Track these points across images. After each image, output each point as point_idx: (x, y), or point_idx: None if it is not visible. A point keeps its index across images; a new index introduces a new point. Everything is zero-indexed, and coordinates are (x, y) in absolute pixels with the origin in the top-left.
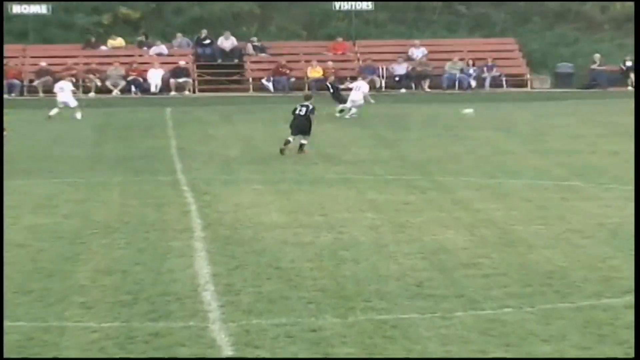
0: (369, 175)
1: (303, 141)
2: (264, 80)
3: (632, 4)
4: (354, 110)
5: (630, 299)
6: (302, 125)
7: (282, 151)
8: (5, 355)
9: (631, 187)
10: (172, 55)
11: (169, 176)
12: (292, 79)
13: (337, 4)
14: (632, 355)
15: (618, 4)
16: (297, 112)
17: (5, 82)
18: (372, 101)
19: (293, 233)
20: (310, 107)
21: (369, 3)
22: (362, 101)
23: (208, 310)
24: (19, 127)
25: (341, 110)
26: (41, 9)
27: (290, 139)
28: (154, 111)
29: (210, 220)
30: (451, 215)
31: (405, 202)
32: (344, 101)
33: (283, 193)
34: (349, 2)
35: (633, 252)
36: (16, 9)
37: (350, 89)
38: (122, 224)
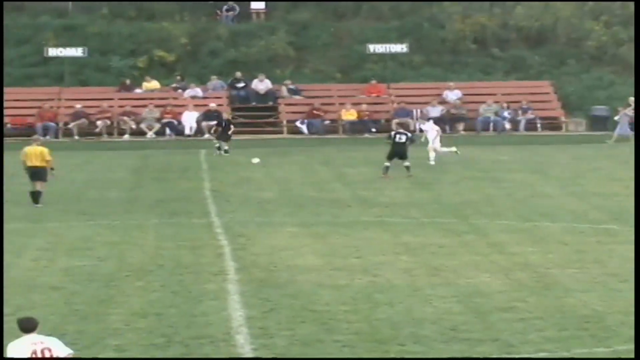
0: (404, 218)
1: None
2: (298, 123)
3: None
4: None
5: None
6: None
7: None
8: None
9: None
10: (206, 98)
11: (204, 219)
12: (326, 122)
13: (371, 47)
14: None
15: None
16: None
17: (40, 124)
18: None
19: (328, 276)
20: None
21: (404, 46)
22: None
23: (242, 354)
24: (54, 170)
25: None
26: (77, 51)
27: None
28: (189, 153)
29: (245, 263)
30: (487, 259)
31: (440, 245)
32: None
33: (318, 236)
34: (384, 45)
35: None
36: (53, 51)
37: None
38: (156, 266)
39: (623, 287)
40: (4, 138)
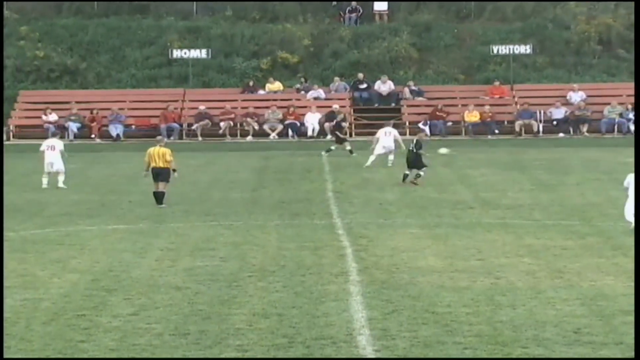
0: (527, 220)
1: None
2: (420, 124)
3: None
4: (390, 157)
5: None
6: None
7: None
8: None
9: None
10: (329, 99)
11: (325, 220)
12: (449, 123)
13: (495, 48)
14: None
15: None
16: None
17: (164, 125)
18: (404, 147)
19: (449, 277)
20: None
21: (527, 47)
22: (392, 147)
23: (364, 355)
24: (177, 171)
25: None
26: (201, 53)
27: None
28: (311, 155)
29: (366, 264)
30: (610, 261)
31: (563, 247)
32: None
33: (439, 237)
34: (507, 46)
35: None
36: (177, 53)
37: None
38: (278, 267)
39: None
40: (130, 139)
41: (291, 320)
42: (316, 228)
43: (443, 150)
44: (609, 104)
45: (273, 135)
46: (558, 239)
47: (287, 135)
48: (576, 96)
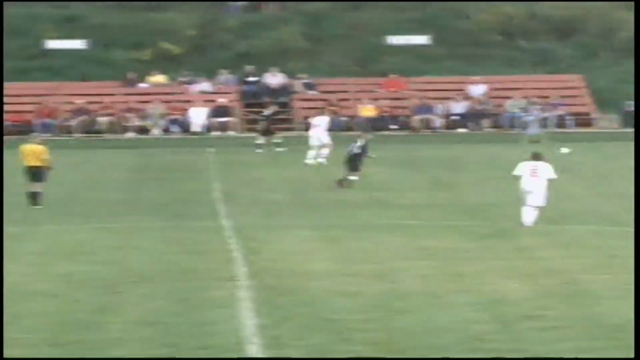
0: (423, 221)
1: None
2: (313, 119)
3: None
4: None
5: None
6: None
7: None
8: None
9: None
10: (215, 93)
11: (212, 222)
12: (344, 118)
13: (390, 39)
14: None
15: None
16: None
17: (39, 121)
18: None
19: (343, 282)
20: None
21: (425, 37)
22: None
23: None
24: (52, 170)
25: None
26: (78, 44)
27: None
28: (196, 152)
29: (256, 269)
30: (512, 264)
31: (462, 249)
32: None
33: (332, 240)
34: (404, 37)
35: None
36: (51, 44)
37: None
38: (161, 272)
39: None
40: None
41: (175, 328)
42: (202, 230)
43: (564, 150)
44: (511, 97)
45: (156, 131)
46: (457, 240)
47: (170, 131)
48: (477, 89)
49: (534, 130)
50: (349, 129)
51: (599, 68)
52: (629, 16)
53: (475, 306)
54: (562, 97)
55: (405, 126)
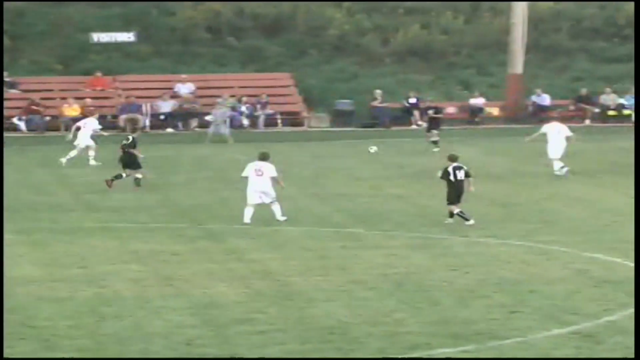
0: (132, 224)
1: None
2: (15, 119)
3: (411, 36)
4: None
5: (418, 354)
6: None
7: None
8: None
9: (417, 234)
10: None
11: None
12: (48, 118)
13: (95, 36)
14: None
15: (399, 36)
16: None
17: None
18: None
19: (49, 288)
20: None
21: (130, 34)
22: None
23: None
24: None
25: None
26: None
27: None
28: None
29: None
30: (223, 267)
31: (172, 252)
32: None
33: (37, 244)
34: (108, 34)
35: (419, 305)
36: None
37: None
38: None
39: (369, 295)
40: None
41: None
42: None
43: (373, 149)
44: (220, 96)
45: None
46: (166, 243)
47: None
48: (184, 88)
49: (219, 129)
50: (54, 128)
51: (308, 66)
52: (338, 14)
53: (186, 310)
54: (272, 95)
55: (110, 125)
